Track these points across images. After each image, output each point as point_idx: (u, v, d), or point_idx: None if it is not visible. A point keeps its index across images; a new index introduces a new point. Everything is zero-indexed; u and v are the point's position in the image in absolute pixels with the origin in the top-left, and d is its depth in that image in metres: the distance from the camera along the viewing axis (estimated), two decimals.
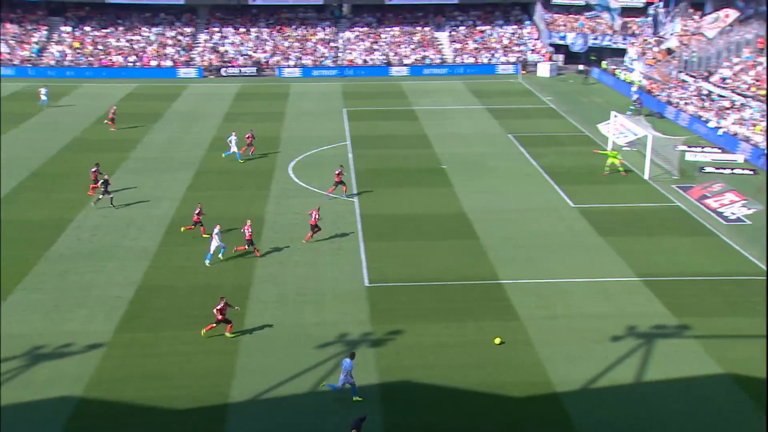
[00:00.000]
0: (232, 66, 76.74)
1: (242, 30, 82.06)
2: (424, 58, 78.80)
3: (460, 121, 56.46)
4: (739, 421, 21.04)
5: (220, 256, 31.29)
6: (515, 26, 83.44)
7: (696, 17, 70.87)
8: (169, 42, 79.46)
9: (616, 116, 49.02)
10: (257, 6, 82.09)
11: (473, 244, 33.45)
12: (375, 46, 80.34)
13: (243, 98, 65.34)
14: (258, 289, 28.94)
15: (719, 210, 37.28)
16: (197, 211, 33.66)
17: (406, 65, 77.88)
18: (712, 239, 33.97)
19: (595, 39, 78.56)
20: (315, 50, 79.67)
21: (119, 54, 77.20)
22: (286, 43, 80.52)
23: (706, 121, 51.70)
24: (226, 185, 41.20)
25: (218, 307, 25.16)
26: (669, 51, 66.93)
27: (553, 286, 29.20)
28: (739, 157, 45.32)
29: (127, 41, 79.11)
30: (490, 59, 78.32)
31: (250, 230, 31.57)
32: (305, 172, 43.51)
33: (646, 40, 71.81)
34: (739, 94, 52.63)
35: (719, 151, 46.36)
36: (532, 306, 27.64)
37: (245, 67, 76.56)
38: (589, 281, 29.57)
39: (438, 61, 78.66)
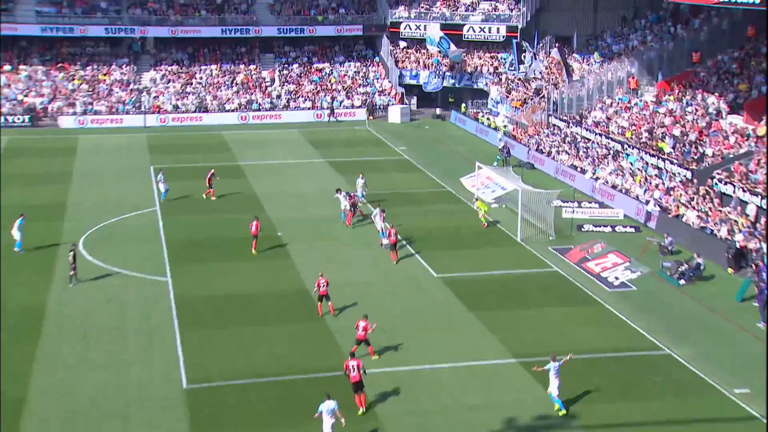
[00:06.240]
0: None
1: (7, 67, 77.91)
2: (249, 102, 79.16)
3: (296, 177, 56.78)
4: None
5: None
6: (359, 63, 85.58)
7: (560, 52, 75.70)
8: None
9: (480, 168, 51.13)
10: (25, 37, 78.19)
11: (318, 327, 33.40)
12: (188, 89, 79.90)
13: (11, 155, 62.52)
14: (36, 404, 27.35)
15: (602, 275, 39.36)
16: None
17: (227, 111, 77.89)
18: (597, 309, 35.70)
19: (453, 78, 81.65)
20: (110, 94, 78.12)
21: None
22: (71, 85, 78.34)
23: (582, 172, 54.85)
24: None
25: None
26: (537, 92, 70.83)
27: (416, 375, 29.57)
28: (620, 212, 48.27)
29: None
30: (330, 103, 79.70)
31: None
32: (102, 248, 42.07)
33: (509, 78, 75.71)
34: (614, 141, 56.29)
35: (597, 206, 49.15)
36: (392, 399, 27.81)
37: (13, 115, 73.22)
38: (458, 366, 30.18)
39: (267, 105, 79.24)
